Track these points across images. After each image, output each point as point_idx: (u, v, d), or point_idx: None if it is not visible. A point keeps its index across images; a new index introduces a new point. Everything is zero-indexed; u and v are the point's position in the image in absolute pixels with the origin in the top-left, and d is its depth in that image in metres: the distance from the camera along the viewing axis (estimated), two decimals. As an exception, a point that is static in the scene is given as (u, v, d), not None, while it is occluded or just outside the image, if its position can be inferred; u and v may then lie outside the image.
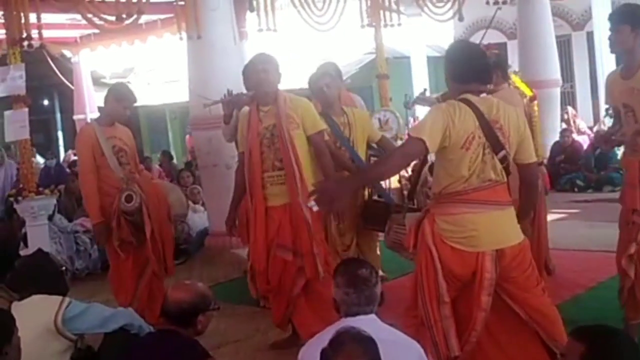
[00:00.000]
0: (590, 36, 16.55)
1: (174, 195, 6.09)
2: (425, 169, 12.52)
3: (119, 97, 5.79)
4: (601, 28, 15.58)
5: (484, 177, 3.62)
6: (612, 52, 4.63)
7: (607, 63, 15.41)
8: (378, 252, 6.01)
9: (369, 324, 3.03)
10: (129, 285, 5.64)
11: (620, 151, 12.81)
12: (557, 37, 12.67)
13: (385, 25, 9.62)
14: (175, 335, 3.38)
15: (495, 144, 3.60)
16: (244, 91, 5.97)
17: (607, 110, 14.53)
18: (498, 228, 3.64)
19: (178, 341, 3.36)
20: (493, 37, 17.11)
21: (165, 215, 5.82)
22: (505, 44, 17.05)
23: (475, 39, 15.73)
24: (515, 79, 10.79)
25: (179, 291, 3.49)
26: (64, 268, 4.20)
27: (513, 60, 13.22)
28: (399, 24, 9.85)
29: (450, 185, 3.65)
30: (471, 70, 3.73)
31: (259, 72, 5.07)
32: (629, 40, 4.40)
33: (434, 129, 3.57)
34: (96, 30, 11.65)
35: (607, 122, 14.14)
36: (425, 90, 7.75)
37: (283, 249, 4.99)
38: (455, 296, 3.69)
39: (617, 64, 17.02)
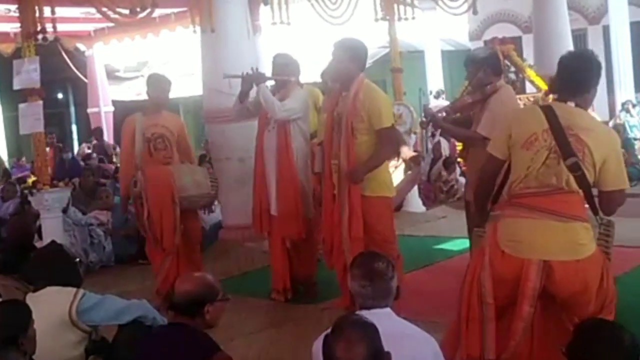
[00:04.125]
0: (606, 30, 16.45)
1: (188, 178, 6.24)
2: (439, 163, 12.50)
3: (155, 84, 6.35)
4: (617, 22, 15.50)
5: (543, 182, 3.51)
6: None
7: (622, 57, 15.34)
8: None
9: (384, 317, 3.02)
10: (156, 257, 6.30)
11: (637, 144, 12.74)
12: (572, 31, 12.59)
13: (400, 19, 9.57)
14: (186, 328, 3.36)
15: (564, 149, 3.47)
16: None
17: (623, 105, 14.45)
18: (547, 238, 3.48)
19: (188, 335, 3.34)
20: (508, 31, 17.07)
21: (167, 198, 6.09)
22: (520, 38, 16.97)
23: (490, 33, 15.74)
24: (530, 73, 10.81)
25: (185, 282, 3.49)
26: (78, 260, 4.21)
27: (528, 54, 13.19)
28: (413, 18, 9.80)
29: (512, 186, 3.63)
30: (559, 85, 3.71)
31: (333, 60, 5.17)
32: None
33: (498, 137, 3.72)
34: (110, 24, 11.70)
35: (623, 117, 14.07)
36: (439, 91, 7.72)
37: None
38: (504, 303, 3.59)
39: (634, 58, 16.92)
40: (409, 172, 6.00)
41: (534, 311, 3.54)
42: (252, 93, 6.03)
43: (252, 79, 5.90)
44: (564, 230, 3.49)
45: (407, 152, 5.88)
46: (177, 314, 3.41)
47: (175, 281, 5.72)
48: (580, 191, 3.51)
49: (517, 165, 3.59)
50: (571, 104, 3.63)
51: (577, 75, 3.66)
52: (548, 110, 3.56)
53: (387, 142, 5.16)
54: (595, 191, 3.62)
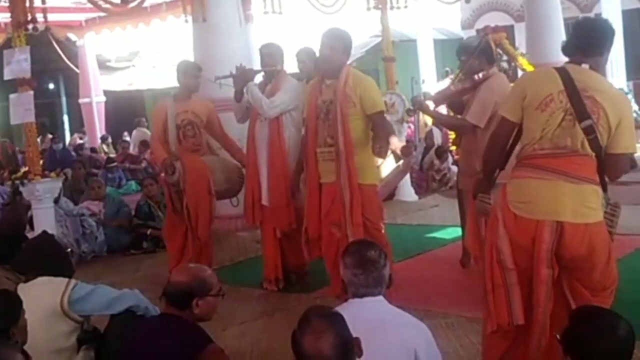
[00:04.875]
0: (598, 19, 16.44)
1: (221, 173, 6.39)
2: (432, 152, 12.50)
3: (184, 69, 6.44)
4: (609, 10, 15.48)
5: (558, 143, 3.48)
6: None
7: (615, 45, 15.33)
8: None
9: (376, 305, 3.03)
10: (178, 238, 6.44)
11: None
12: (565, 19, 12.56)
13: (392, 8, 9.55)
14: (177, 320, 3.35)
15: (580, 111, 3.44)
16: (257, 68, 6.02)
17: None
18: (559, 199, 3.45)
19: (179, 326, 3.32)
20: (500, 19, 17.06)
21: (204, 189, 6.25)
22: (512, 27, 16.95)
23: (482, 21, 15.74)
24: (523, 61, 10.80)
25: (180, 274, 3.48)
26: (69, 250, 4.19)
27: (520, 43, 13.17)
28: (406, 7, 9.78)
29: (524, 148, 3.59)
30: (572, 43, 3.67)
31: (324, 48, 5.12)
32: None
33: (511, 99, 3.66)
34: (101, 14, 11.63)
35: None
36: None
37: (334, 225, 5.12)
38: (525, 267, 3.53)
39: (626, 46, 16.90)
40: (400, 162, 5.99)
41: (552, 273, 3.50)
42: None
43: (242, 76, 5.91)
44: (574, 191, 3.47)
45: (396, 142, 5.86)
46: (168, 304, 3.40)
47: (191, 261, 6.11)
48: (593, 154, 3.49)
49: (531, 127, 3.54)
50: (585, 66, 3.60)
51: (591, 35, 3.63)
52: (563, 72, 3.53)
53: (383, 124, 5.17)
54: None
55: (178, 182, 6.20)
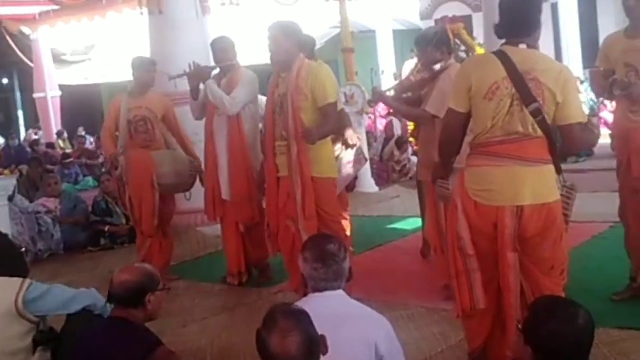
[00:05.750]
0: (554, 8, 16.62)
1: (169, 166, 6.30)
2: (392, 143, 12.50)
3: (138, 65, 6.38)
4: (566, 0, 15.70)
5: (509, 130, 3.50)
6: (628, 16, 4.57)
7: (571, 34, 15.54)
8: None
9: (336, 299, 3.01)
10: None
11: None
12: (521, 9, 12.67)
13: (350, -1, 9.54)
14: (126, 324, 3.28)
15: (525, 95, 3.45)
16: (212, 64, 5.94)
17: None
18: (518, 184, 3.49)
19: (129, 330, 3.26)
20: (458, 9, 17.16)
21: (147, 183, 6.19)
22: (470, 17, 17.05)
23: (441, 12, 15.80)
24: (481, 52, 10.85)
25: (124, 273, 3.40)
26: (23, 249, 4.10)
27: (478, 33, 13.22)
28: (364, -3, 9.77)
29: (477, 137, 3.60)
30: (505, 25, 3.65)
31: (269, 41, 5.08)
32: None
33: (457, 91, 3.63)
34: (55, 7, 11.45)
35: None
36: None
37: (290, 219, 5.09)
38: (486, 253, 3.57)
39: (582, 35, 17.06)
40: (350, 152, 5.98)
41: (518, 255, 3.54)
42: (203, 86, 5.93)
43: (197, 75, 5.86)
44: (532, 174, 3.51)
45: (352, 135, 5.83)
46: (118, 306, 3.34)
47: (155, 252, 6.25)
48: (544, 136, 3.52)
49: (482, 116, 3.54)
50: (523, 46, 3.60)
51: (520, 14, 3.62)
52: (504, 57, 3.52)
53: (334, 117, 5.12)
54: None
55: (122, 177, 6.26)
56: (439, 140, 3.93)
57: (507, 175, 3.50)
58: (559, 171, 3.64)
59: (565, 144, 3.65)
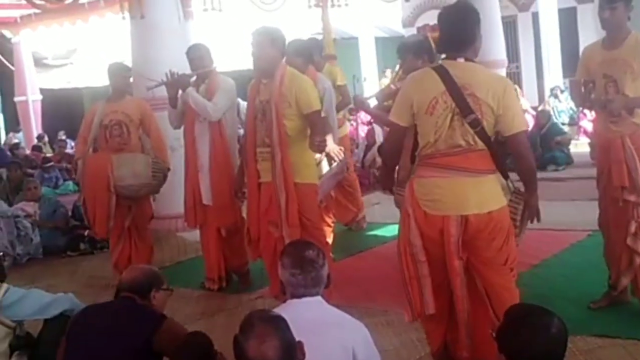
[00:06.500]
0: (535, 17, 16.74)
1: (127, 168, 6.27)
2: (374, 149, 12.51)
3: (113, 71, 6.52)
4: (546, 9, 15.81)
5: (452, 143, 3.57)
6: (603, 28, 4.61)
7: (551, 43, 15.65)
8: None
9: (314, 305, 3.01)
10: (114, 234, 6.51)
11: (566, 128, 12.98)
12: (502, 17, 12.72)
13: (333, 6, 9.59)
14: (133, 301, 3.41)
15: (463, 108, 3.53)
16: (189, 72, 5.92)
17: (551, 90, 14.76)
18: (462, 194, 3.58)
19: (136, 306, 3.39)
20: (440, 18, 17.19)
21: (102, 186, 6.21)
22: (451, 25, 17.11)
23: (423, 19, 15.85)
24: (462, 60, 10.91)
25: (132, 272, 3.58)
26: (1, 253, 4.09)
27: (459, 41, 13.33)
28: (347, 4, 9.82)
29: (423, 149, 3.67)
30: (444, 39, 3.73)
31: (253, 47, 5.05)
32: (623, 16, 4.51)
33: (400, 105, 3.71)
34: (37, 10, 11.40)
35: (552, 102, 14.37)
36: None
37: (272, 225, 5.06)
38: (437, 259, 3.66)
39: (562, 44, 17.16)
40: (334, 164, 5.98)
41: (463, 263, 3.64)
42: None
43: (175, 83, 5.85)
44: (477, 185, 3.60)
45: (331, 144, 5.83)
46: (125, 293, 3.46)
47: (130, 256, 6.38)
48: (486, 147, 3.59)
49: (425, 130, 3.63)
50: (461, 60, 3.66)
51: (456, 28, 3.69)
52: (442, 71, 3.59)
53: (321, 124, 5.13)
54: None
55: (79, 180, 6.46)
56: (383, 152, 4.01)
57: (452, 186, 3.60)
58: (505, 176, 3.75)
59: (514, 155, 3.71)
